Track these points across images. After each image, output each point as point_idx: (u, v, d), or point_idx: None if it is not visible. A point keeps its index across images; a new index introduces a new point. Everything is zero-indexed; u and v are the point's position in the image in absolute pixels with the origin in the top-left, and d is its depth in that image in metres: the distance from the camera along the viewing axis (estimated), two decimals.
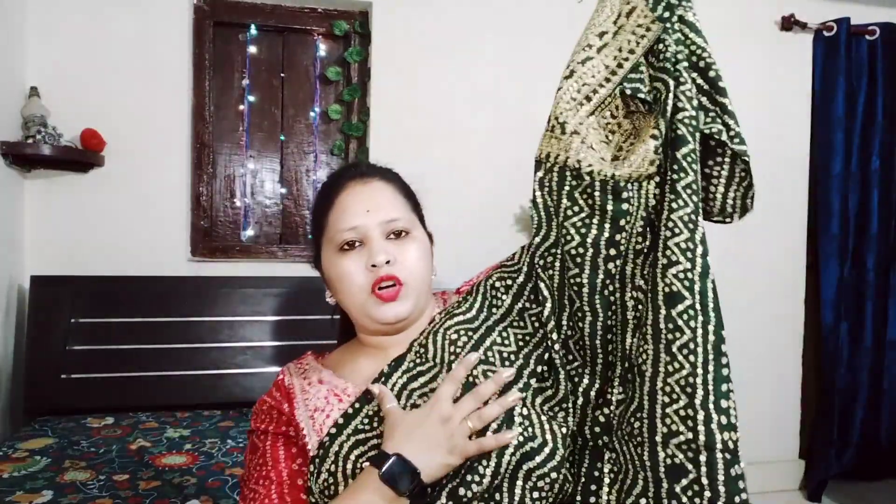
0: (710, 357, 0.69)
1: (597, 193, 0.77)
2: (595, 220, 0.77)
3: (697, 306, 0.70)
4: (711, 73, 0.78)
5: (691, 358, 0.69)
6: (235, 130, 2.54)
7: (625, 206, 0.76)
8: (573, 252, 0.78)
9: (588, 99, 0.80)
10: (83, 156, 2.21)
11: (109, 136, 2.25)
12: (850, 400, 2.84)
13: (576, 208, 0.78)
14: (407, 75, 2.53)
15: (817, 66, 2.84)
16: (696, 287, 0.70)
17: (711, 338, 0.69)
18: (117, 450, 1.76)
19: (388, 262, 0.83)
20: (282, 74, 2.58)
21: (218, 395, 2.21)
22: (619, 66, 0.80)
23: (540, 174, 0.83)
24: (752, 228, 2.87)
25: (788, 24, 2.84)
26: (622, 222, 0.76)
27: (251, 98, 2.55)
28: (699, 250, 0.71)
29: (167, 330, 2.21)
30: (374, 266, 0.83)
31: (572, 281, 0.78)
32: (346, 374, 0.87)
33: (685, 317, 0.70)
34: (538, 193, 0.82)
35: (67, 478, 1.56)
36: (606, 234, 0.76)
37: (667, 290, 0.71)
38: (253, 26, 2.52)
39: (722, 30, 2.80)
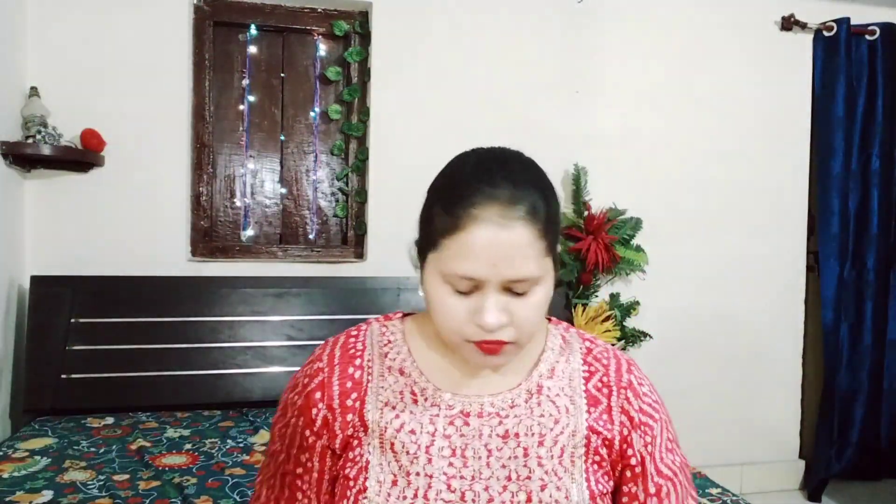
0: None
1: None
2: None
3: None
4: None
5: None
6: (235, 130, 2.54)
7: None
8: None
9: None
10: (83, 156, 2.21)
11: (109, 136, 2.25)
12: (850, 400, 2.83)
13: None
14: (407, 75, 2.53)
15: (817, 66, 2.84)
16: None
17: None
18: (117, 450, 1.76)
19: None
20: (282, 74, 2.58)
21: (218, 395, 2.21)
22: None
23: None
24: (753, 228, 2.87)
25: (788, 24, 2.84)
26: None
27: (251, 98, 2.55)
28: None
29: (167, 330, 2.21)
30: (481, 325, 0.69)
31: None
32: (428, 370, 0.79)
33: None
34: None
35: (67, 478, 1.56)
36: None
37: None
38: (253, 26, 2.52)
39: (722, 30, 2.82)
